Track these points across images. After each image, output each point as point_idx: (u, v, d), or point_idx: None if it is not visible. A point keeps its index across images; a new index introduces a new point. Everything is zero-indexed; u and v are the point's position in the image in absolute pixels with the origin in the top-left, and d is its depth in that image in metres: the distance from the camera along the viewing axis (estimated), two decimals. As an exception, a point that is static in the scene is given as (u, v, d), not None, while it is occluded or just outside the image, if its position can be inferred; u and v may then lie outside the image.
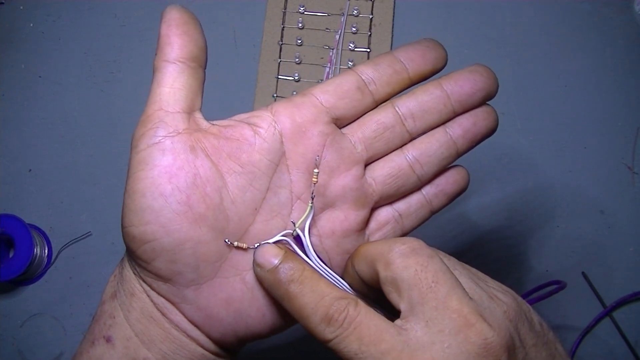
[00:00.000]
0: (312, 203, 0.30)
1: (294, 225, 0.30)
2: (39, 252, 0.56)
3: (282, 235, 0.30)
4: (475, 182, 0.58)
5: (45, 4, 0.62)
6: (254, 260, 0.29)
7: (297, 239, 0.30)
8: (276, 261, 0.28)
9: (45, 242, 0.57)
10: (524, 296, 0.52)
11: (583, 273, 0.56)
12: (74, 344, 0.56)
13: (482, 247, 0.57)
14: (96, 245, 0.58)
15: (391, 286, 0.26)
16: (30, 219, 0.57)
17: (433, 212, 0.34)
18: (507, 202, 0.58)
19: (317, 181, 0.31)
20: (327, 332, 0.26)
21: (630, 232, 0.57)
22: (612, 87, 0.60)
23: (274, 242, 0.30)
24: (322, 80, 0.60)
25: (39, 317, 0.57)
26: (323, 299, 0.26)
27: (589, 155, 0.59)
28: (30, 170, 0.59)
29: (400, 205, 0.33)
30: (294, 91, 0.59)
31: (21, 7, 0.63)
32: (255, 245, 0.30)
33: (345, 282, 0.30)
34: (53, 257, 0.57)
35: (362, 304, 0.26)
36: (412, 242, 0.27)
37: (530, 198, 0.58)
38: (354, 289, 0.30)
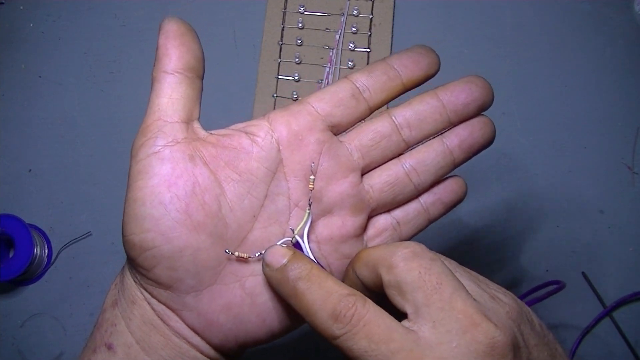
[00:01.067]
0: (309, 210, 0.31)
1: (293, 232, 0.31)
2: (39, 252, 0.56)
3: (282, 243, 0.30)
4: (476, 182, 0.58)
5: (45, 4, 0.62)
6: (263, 260, 0.29)
7: (297, 246, 0.31)
8: (284, 260, 0.28)
9: (45, 242, 0.57)
10: (523, 296, 0.52)
11: (583, 273, 0.56)
12: (74, 344, 0.56)
13: (482, 246, 0.57)
14: (96, 245, 0.58)
15: (395, 289, 0.26)
16: (30, 219, 0.57)
17: (431, 221, 0.34)
18: (507, 202, 0.58)
19: (313, 188, 0.31)
20: (334, 329, 0.26)
21: (630, 232, 0.57)
22: (612, 87, 0.60)
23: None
24: (322, 80, 0.60)
25: (39, 317, 0.57)
26: (331, 295, 0.26)
27: (589, 155, 0.59)
28: (30, 170, 0.59)
29: (398, 212, 0.34)
30: (294, 91, 0.59)
31: (21, 7, 0.63)
32: (256, 255, 0.30)
33: None
34: (53, 257, 0.58)
35: (370, 302, 0.26)
36: (414, 246, 0.27)
37: (530, 198, 0.58)
38: None
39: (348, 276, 0.30)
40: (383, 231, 0.33)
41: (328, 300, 0.26)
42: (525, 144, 0.59)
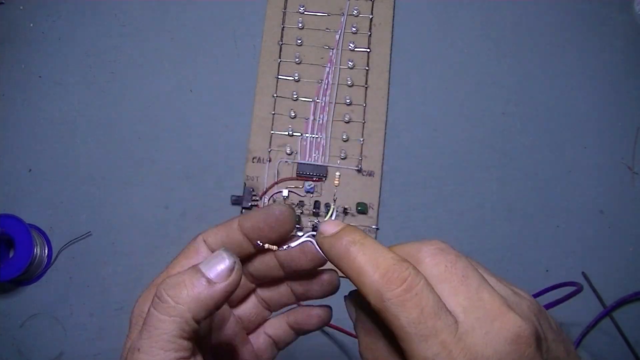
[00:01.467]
0: (334, 205, 0.31)
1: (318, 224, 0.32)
2: (39, 252, 0.56)
3: (307, 236, 0.31)
4: (476, 182, 0.58)
5: (45, 4, 0.62)
6: (317, 230, 0.29)
7: None
8: (338, 228, 0.28)
9: (45, 242, 0.57)
10: (537, 295, 0.52)
11: (583, 273, 0.56)
12: (74, 344, 0.56)
13: (482, 247, 0.57)
14: (96, 245, 0.58)
15: (385, 317, 0.26)
16: (30, 219, 0.57)
17: (299, 334, 0.38)
18: (507, 202, 0.58)
19: (339, 183, 0.32)
20: (385, 290, 0.25)
21: (630, 232, 0.57)
22: (612, 87, 0.60)
23: (298, 244, 0.32)
24: (322, 80, 0.60)
25: (39, 317, 0.57)
26: (385, 258, 0.26)
27: (589, 155, 0.59)
28: (30, 170, 0.59)
29: (272, 332, 0.37)
30: (294, 91, 0.59)
31: (21, 7, 0.63)
32: (284, 247, 0.31)
33: None
34: (53, 257, 0.58)
35: (422, 274, 0.26)
36: (439, 243, 0.28)
37: (530, 198, 0.58)
38: None
39: None
40: (266, 349, 0.37)
41: (382, 261, 0.26)
42: (525, 144, 0.59)
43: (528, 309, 0.27)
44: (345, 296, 0.31)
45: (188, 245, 0.32)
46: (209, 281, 0.28)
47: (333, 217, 0.31)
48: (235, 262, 0.29)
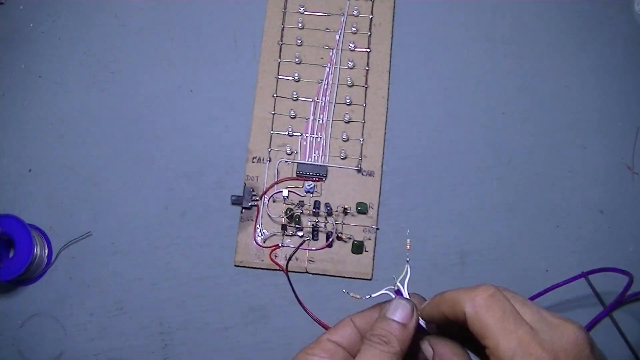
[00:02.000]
0: (408, 264, 0.38)
1: (396, 280, 0.38)
2: (39, 252, 0.56)
3: (386, 290, 0.38)
4: (476, 182, 0.58)
5: (45, 4, 0.62)
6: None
7: (398, 292, 0.38)
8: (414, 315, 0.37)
9: (45, 242, 0.57)
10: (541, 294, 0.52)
11: (583, 273, 0.56)
12: (74, 344, 0.56)
13: (482, 247, 0.57)
14: (96, 245, 0.58)
15: (476, 321, 0.33)
16: (30, 219, 0.57)
17: None
18: (507, 202, 0.58)
19: (409, 248, 0.42)
20: (476, 297, 0.33)
21: (630, 232, 0.57)
22: (612, 87, 0.60)
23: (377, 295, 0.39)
24: (322, 80, 0.60)
25: (39, 317, 0.57)
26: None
27: (589, 155, 0.59)
28: (30, 170, 0.59)
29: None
30: (294, 91, 0.59)
31: (21, 7, 0.63)
32: (366, 297, 0.40)
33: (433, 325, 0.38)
34: (53, 257, 0.58)
35: (500, 291, 0.34)
36: (488, 289, 0.34)
37: (530, 198, 0.58)
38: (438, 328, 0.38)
39: (432, 314, 0.37)
40: None
41: (467, 288, 0.34)
42: (525, 144, 0.59)
43: (578, 327, 0.33)
44: (421, 340, 0.38)
45: (338, 324, 0.39)
46: (404, 326, 0.36)
47: (407, 276, 0.38)
48: (413, 305, 0.37)
